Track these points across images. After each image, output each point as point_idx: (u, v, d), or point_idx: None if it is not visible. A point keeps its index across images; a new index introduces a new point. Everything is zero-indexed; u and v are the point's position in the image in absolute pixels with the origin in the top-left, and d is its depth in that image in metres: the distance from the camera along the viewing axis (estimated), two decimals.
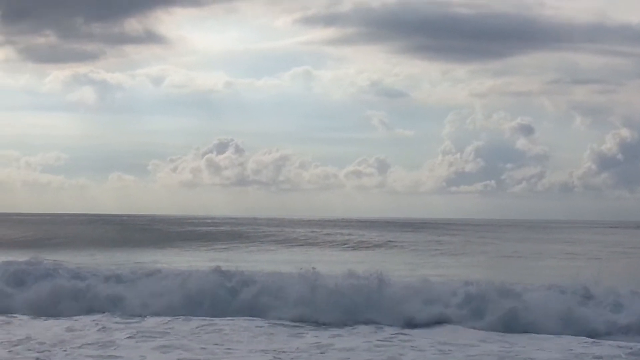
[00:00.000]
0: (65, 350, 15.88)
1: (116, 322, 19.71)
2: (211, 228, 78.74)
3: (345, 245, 55.84)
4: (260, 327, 19.16)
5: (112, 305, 21.62)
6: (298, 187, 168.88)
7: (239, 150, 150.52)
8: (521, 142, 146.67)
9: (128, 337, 17.35)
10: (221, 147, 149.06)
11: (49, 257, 30.81)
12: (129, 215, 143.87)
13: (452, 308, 20.38)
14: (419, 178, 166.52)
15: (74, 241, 59.24)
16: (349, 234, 68.04)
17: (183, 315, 20.45)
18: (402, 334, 18.39)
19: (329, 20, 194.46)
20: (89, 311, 21.34)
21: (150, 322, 19.76)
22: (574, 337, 18.19)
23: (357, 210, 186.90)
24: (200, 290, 22.01)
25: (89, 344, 16.58)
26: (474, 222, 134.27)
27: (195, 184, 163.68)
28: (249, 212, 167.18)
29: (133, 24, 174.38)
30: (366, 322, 19.69)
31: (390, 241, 59.81)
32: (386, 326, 19.30)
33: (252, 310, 20.91)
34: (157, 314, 20.62)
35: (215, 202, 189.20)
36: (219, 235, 65.83)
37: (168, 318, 20.08)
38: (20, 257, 43.20)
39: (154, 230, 74.96)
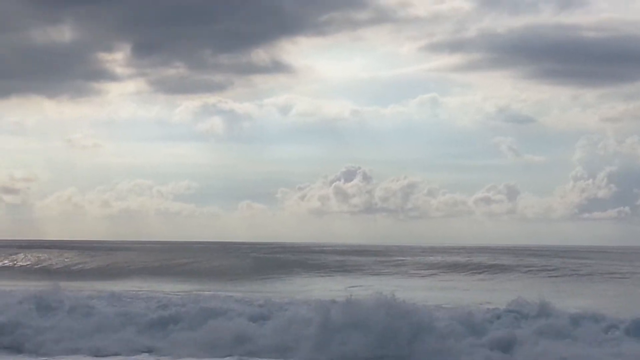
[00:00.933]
0: None
1: None
2: (349, 257, 78.21)
3: (487, 272, 54.79)
4: None
5: None
6: (426, 214, 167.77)
7: (366, 178, 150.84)
8: None
9: None
10: (349, 175, 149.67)
11: (204, 287, 31.31)
12: (258, 243, 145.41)
13: None
14: (550, 204, 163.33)
15: (212, 269, 59.97)
16: (492, 261, 66.77)
17: None
18: None
19: (455, 46, 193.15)
20: None
21: None
22: None
23: (487, 238, 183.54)
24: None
25: None
26: (608, 249, 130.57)
27: (324, 211, 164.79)
28: (377, 239, 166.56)
29: (260, 54, 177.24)
30: None
31: (546, 266, 58.33)
32: None
33: None
34: None
35: (343, 230, 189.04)
36: (353, 263, 65.44)
37: None
38: (169, 285, 44.21)
39: (286, 259, 75.19)
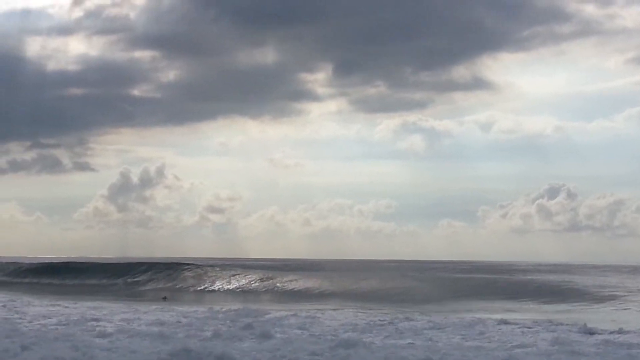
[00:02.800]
0: None
1: None
2: (566, 277, 73.03)
3: None
4: None
5: None
6: (635, 232, 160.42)
7: (570, 195, 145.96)
8: None
9: None
10: (552, 192, 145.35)
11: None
12: (460, 262, 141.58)
13: None
14: None
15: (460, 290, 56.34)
16: None
17: None
18: None
19: None
20: None
21: None
22: None
23: None
24: None
25: None
26: None
27: (526, 229, 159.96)
28: (581, 258, 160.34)
29: (460, 71, 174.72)
30: None
31: None
32: None
33: None
34: None
35: (546, 248, 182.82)
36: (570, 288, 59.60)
37: None
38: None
39: (499, 280, 70.59)
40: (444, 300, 50.77)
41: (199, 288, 69.67)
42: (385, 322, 31.56)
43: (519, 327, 28.96)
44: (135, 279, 78.12)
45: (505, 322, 30.73)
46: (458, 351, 21.70)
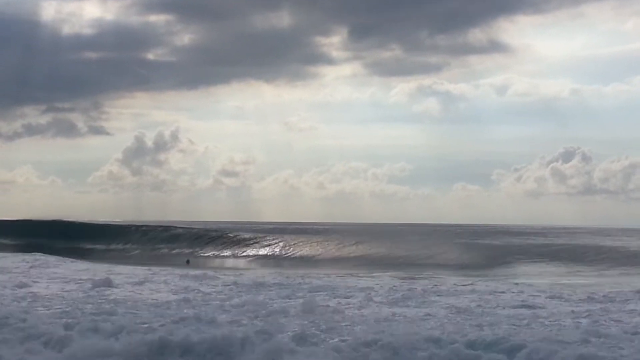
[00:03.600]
0: None
1: None
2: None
3: None
4: None
5: None
6: None
7: (585, 159, 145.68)
8: None
9: None
10: (567, 156, 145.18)
11: None
12: (474, 225, 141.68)
13: None
14: None
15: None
16: None
17: None
18: None
19: None
20: None
21: None
22: None
23: None
24: None
25: None
26: None
27: (540, 193, 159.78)
28: (596, 221, 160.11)
29: (477, 35, 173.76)
30: None
31: None
32: None
33: None
34: None
35: (560, 212, 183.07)
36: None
37: None
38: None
39: (514, 244, 70.63)
40: (462, 264, 51.09)
41: (221, 253, 70.07)
42: (413, 289, 31.79)
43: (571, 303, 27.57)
44: (155, 242, 78.49)
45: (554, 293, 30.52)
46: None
